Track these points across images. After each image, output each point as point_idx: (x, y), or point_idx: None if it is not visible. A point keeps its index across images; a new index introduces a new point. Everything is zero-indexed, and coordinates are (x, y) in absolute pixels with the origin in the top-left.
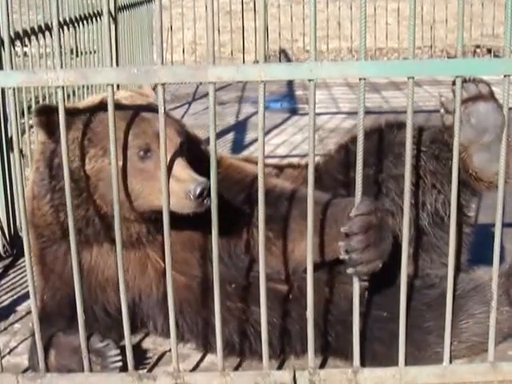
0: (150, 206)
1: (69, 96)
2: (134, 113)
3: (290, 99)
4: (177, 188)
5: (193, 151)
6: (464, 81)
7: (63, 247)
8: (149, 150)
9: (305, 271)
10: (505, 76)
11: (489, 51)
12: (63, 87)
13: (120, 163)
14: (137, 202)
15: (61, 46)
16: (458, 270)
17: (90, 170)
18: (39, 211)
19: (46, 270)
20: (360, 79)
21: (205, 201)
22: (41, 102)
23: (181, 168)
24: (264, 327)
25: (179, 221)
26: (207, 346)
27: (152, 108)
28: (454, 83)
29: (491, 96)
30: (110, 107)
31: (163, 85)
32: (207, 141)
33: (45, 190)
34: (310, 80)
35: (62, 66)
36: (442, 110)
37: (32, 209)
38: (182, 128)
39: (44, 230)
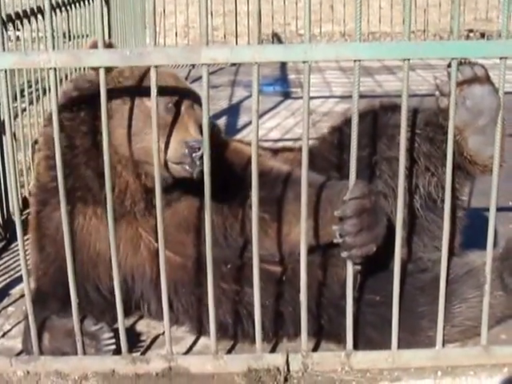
0: (150, 156)
1: (61, 80)
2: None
3: (282, 83)
4: (177, 136)
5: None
6: (459, 63)
7: (58, 210)
8: (176, 106)
9: (300, 254)
10: (501, 58)
11: (482, 35)
12: (55, 69)
13: (150, 103)
14: (139, 144)
15: (53, 28)
16: (451, 254)
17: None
18: (45, 161)
19: (40, 236)
20: (355, 61)
21: (198, 159)
22: (33, 85)
23: (189, 124)
24: (257, 309)
25: (173, 201)
26: (201, 329)
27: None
28: (449, 66)
29: (487, 79)
30: (102, 89)
31: (156, 67)
32: None
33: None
34: (304, 62)
35: (54, 48)
36: (437, 93)
37: (39, 163)
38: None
39: (42, 189)
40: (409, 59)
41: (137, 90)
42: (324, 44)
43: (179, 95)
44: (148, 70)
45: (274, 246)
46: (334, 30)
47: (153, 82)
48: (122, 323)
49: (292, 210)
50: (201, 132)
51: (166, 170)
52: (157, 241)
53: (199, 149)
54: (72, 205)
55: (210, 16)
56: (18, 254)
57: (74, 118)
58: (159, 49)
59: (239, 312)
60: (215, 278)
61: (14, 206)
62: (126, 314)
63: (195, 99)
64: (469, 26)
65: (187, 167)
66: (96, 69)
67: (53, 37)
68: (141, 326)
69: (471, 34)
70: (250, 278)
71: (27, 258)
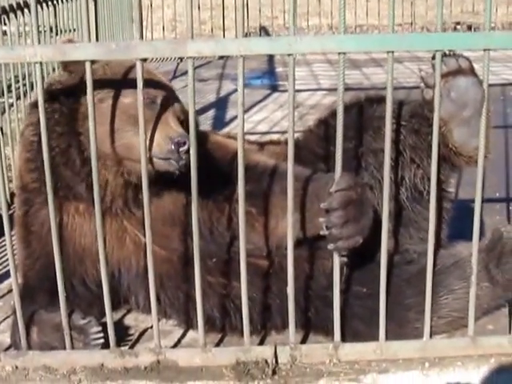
0: (132, 153)
1: (49, 74)
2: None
3: (270, 76)
4: (160, 132)
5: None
6: (444, 55)
7: (42, 209)
8: (154, 102)
9: (287, 247)
10: (485, 50)
11: (469, 28)
12: (41, 63)
13: (127, 100)
14: (120, 142)
15: (38, 22)
16: (437, 245)
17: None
18: (25, 164)
19: (26, 234)
20: (339, 54)
21: (184, 154)
22: (21, 80)
23: (170, 119)
24: (245, 303)
25: (157, 196)
26: (188, 322)
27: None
28: (433, 57)
29: (471, 70)
30: (89, 83)
31: (142, 60)
32: None
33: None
34: (289, 55)
35: (39, 42)
36: (422, 85)
37: (20, 165)
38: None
39: (25, 190)
40: (393, 51)
41: (113, 87)
42: (309, 36)
43: (156, 90)
44: (124, 67)
45: (261, 239)
46: (321, 23)
47: (139, 75)
48: (110, 317)
49: (279, 203)
50: (181, 125)
51: (150, 165)
52: (142, 234)
53: (184, 143)
54: (55, 204)
55: (197, 10)
56: (6, 249)
57: (48, 119)
58: (145, 42)
59: (226, 305)
60: (201, 272)
61: (2, 200)
62: (114, 307)
63: (172, 93)
64: (456, 19)
65: (173, 162)
66: (69, 70)
67: (38, 31)
68: (129, 320)
69: (458, 27)
70: (237, 272)
71: (14, 252)
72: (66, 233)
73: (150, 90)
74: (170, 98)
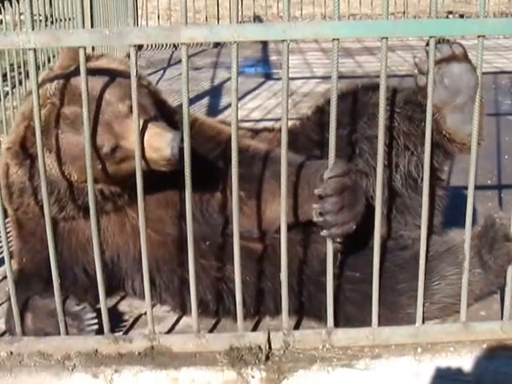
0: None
1: (44, 64)
2: (94, 119)
3: (264, 64)
4: (155, 156)
5: (163, 114)
6: (438, 42)
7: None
8: (115, 148)
9: (276, 231)
10: (479, 37)
11: (461, 17)
12: (35, 50)
13: (99, 167)
14: (118, 176)
15: (32, 9)
16: (430, 231)
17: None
18: (18, 198)
19: (26, 233)
20: (333, 40)
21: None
22: (15, 69)
23: (152, 134)
24: (238, 288)
25: (153, 179)
26: (183, 306)
27: (123, 75)
28: (427, 44)
29: (465, 57)
30: (83, 70)
31: (135, 46)
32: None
33: (25, 184)
34: (283, 41)
35: (33, 28)
36: (416, 71)
37: (7, 187)
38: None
39: (21, 206)
40: (387, 38)
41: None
42: (303, 23)
43: (106, 141)
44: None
45: (250, 223)
46: (315, 12)
47: (132, 62)
48: (104, 303)
49: (268, 188)
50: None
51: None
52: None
53: (179, 141)
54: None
55: None
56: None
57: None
58: (138, 28)
59: (219, 288)
60: (195, 255)
61: None
62: (111, 293)
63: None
64: (448, 8)
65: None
66: None
67: (32, 17)
68: (123, 306)
69: (450, 16)
70: (229, 255)
71: (9, 239)
72: (69, 228)
73: (101, 148)
74: (122, 99)
